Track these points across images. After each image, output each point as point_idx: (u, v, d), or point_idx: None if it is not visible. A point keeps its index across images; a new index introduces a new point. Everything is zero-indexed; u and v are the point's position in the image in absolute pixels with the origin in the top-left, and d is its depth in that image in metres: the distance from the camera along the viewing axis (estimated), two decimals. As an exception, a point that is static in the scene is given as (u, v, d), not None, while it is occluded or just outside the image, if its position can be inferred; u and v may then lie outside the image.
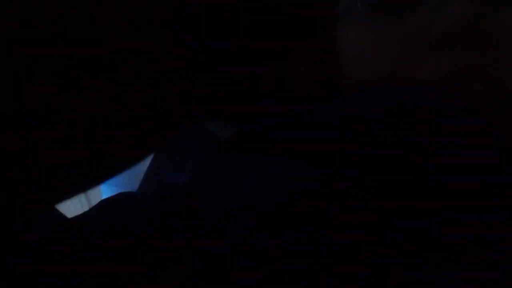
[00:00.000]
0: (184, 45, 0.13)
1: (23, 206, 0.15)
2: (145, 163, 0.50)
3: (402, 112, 0.24)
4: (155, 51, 0.13)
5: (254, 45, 0.16)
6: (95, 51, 0.12)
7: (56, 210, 0.26)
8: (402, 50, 0.28)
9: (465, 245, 0.19)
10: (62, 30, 0.11)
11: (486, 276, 0.18)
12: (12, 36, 0.10)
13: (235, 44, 0.15)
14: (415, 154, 0.22)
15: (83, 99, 0.12)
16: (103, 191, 1.51)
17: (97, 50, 0.12)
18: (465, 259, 0.19)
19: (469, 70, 0.26)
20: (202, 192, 0.27)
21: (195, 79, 0.15)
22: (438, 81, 0.27)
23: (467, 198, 0.20)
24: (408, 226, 0.20)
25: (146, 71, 0.13)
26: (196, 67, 0.14)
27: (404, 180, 0.21)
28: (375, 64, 0.30)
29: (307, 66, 0.34)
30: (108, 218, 0.26)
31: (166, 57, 0.13)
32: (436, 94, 0.26)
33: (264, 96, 0.39)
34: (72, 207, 1.32)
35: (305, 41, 0.25)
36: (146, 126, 0.15)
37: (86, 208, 1.46)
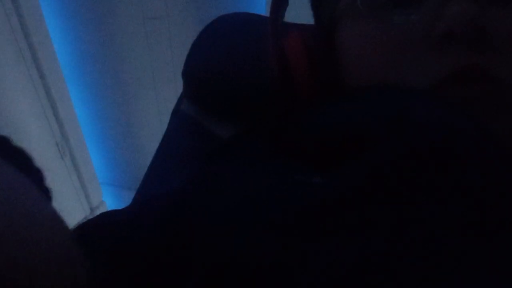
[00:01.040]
0: None
1: None
2: (146, 164, 0.50)
3: (399, 119, 0.23)
4: None
5: None
6: None
7: None
8: (404, 50, 0.28)
9: (466, 249, 0.19)
10: None
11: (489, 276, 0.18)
12: None
13: None
14: (412, 159, 0.22)
15: None
16: (104, 191, 1.51)
17: None
18: (471, 263, 0.18)
19: (471, 70, 0.26)
20: (191, 202, 0.26)
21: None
22: (440, 82, 0.26)
23: (466, 201, 0.20)
24: (413, 230, 0.20)
25: None
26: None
27: (402, 183, 0.21)
28: (376, 64, 0.29)
29: (308, 66, 0.33)
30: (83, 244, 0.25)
31: None
32: (433, 101, 0.26)
33: (266, 95, 0.39)
34: (72, 207, 1.32)
35: None
36: None
37: (86, 208, 1.46)
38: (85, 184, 1.38)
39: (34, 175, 0.22)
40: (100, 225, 0.26)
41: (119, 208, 0.29)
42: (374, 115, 0.24)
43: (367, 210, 0.20)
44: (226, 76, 0.42)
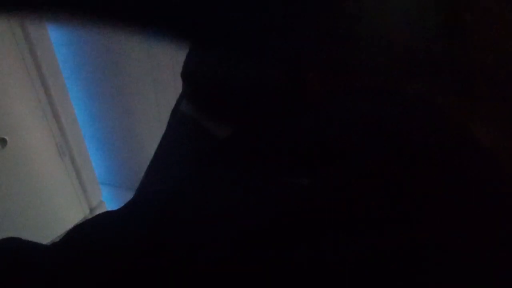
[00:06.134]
0: None
1: None
2: (145, 164, 0.50)
3: (380, 126, 0.25)
4: None
5: None
6: None
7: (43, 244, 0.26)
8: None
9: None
10: None
11: None
12: None
13: None
14: (390, 164, 0.23)
15: None
16: (103, 191, 1.52)
17: None
18: None
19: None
20: (180, 204, 0.26)
21: None
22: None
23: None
24: (400, 229, 0.20)
25: None
26: None
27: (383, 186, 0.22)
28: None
29: (319, 62, 0.34)
30: (74, 246, 0.26)
31: None
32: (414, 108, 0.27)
33: (266, 96, 0.39)
34: (72, 207, 1.32)
35: None
36: None
37: (86, 208, 1.45)
38: (85, 184, 1.38)
39: None
40: (92, 227, 0.26)
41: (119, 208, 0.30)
42: (359, 121, 0.25)
43: (351, 212, 0.21)
44: (225, 77, 0.42)
